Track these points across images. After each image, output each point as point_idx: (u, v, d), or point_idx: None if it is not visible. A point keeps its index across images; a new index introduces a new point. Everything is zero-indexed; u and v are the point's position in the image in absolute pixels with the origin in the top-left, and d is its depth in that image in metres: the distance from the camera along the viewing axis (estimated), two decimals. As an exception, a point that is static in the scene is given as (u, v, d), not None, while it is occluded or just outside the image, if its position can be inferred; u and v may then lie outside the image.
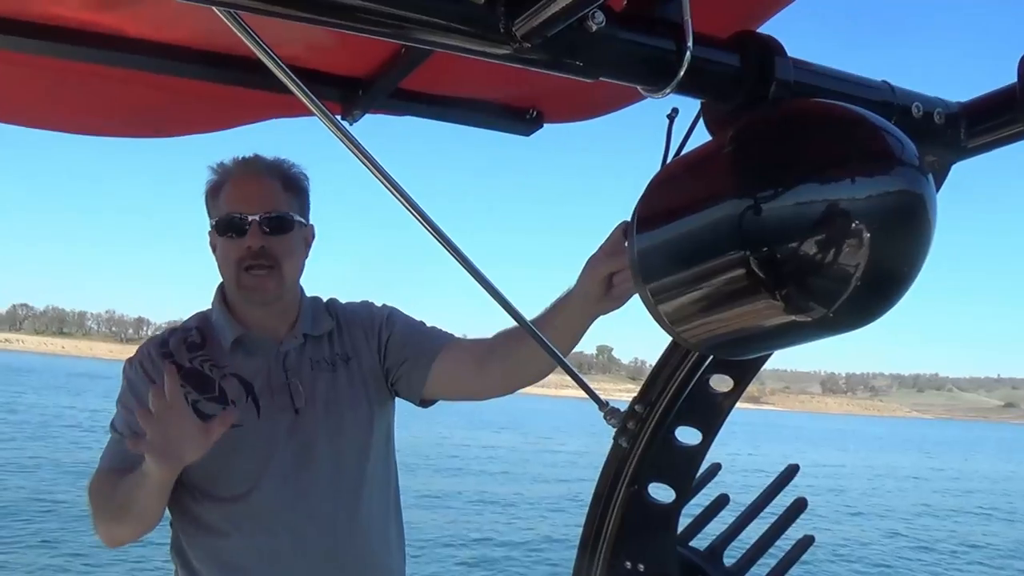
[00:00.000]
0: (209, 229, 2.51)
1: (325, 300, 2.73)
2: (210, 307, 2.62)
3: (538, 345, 2.09)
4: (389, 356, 2.62)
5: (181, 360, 2.47)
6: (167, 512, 2.44)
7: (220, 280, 2.60)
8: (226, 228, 2.44)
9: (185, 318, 2.67)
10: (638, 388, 1.98)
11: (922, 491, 36.92)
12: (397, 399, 2.69)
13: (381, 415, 2.64)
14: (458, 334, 2.69)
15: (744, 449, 45.62)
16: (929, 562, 20.39)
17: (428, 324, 2.72)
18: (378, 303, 2.78)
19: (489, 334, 2.56)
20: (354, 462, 2.54)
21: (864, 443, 78.52)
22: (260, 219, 2.41)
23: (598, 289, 2.07)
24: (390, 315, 2.70)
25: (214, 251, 2.54)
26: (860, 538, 22.33)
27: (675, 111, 1.55)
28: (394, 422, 2.73)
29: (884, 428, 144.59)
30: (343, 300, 2.78)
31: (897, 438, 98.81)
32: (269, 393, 2.48)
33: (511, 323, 2.39)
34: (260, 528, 2.42)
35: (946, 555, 21.44)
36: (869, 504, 29.92)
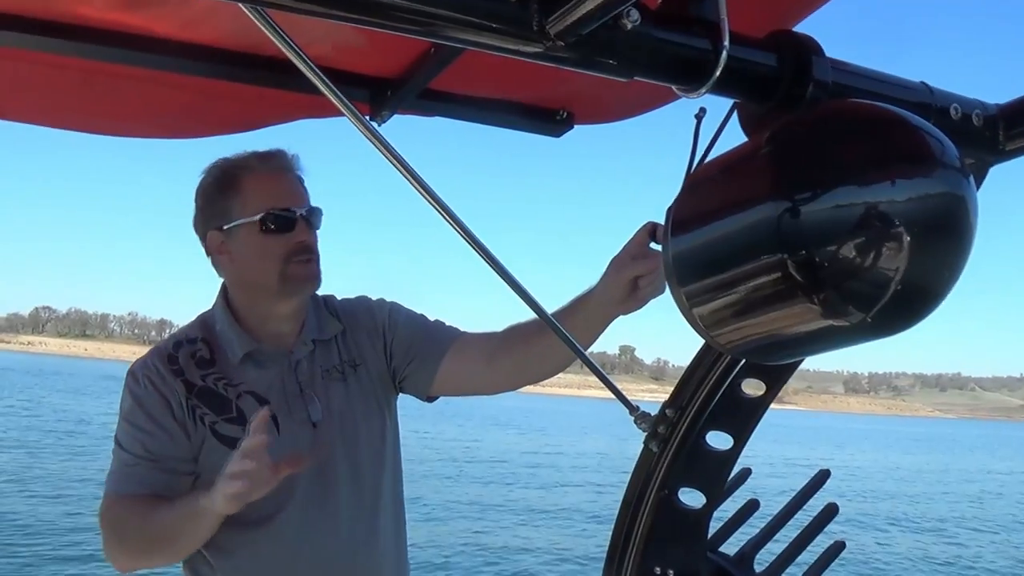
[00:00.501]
0: (228, 226, 2.37)
1: (322, 296, 2.65)
2: (210, 310, 2.52)
3: (554, 342, 2.08)
4: (395, 356, 2.58)
5: (192, 378, 2.38)
6: None
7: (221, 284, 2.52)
8: (273, 223, 2.33)
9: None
10: (661, 388, 1.97)
11: (951, 492, 36.63)
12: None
13: (391, 421, 2.62)
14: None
15: (772, 450, 45.40)
16: (962, 567, 20.16)
17: (431, 319, 2.67)
18: (374, 297, 2.72)
19: (485, 329, 2.55)
20: (370, 474, 2.51)
21: (887, 443, 78.07)
22: (305, 213, 2.38)
23: (622, 291, 2.06)
24: (392, 312, 2.64)
25: (219, 251, 2.42)
26: (891, 542, 22.10)
27: (703, 111, 1.53)
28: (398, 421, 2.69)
29: (907, 428, 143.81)
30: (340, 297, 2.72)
31: (921, 437, 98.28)
32: (286, 408, 2.41)
33: (511, 321, 2.38)
34: (285, 548, 2.37)
35: (978, 557, 21.21)
36: (899, 506, 29.67)
